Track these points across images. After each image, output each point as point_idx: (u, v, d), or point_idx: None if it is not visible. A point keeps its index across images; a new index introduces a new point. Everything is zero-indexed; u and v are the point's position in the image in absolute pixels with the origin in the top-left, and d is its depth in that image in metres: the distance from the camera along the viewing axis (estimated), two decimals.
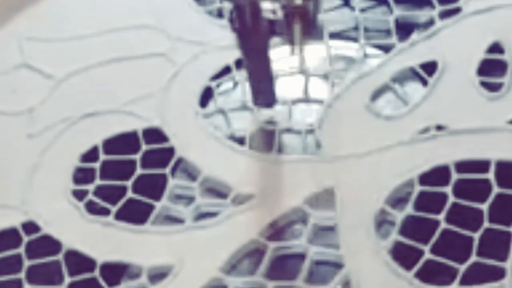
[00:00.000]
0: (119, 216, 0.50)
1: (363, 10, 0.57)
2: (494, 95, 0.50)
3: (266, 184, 0.49)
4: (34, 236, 0.50)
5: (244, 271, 0.47)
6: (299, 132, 0.52)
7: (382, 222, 0.47)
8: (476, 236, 0.45)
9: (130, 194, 0.51)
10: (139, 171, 0.52)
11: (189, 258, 0.48)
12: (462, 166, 0.48)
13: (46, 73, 0.57)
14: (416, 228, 0.47)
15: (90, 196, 0.51)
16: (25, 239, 0.50)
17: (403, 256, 0.46)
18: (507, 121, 0.49)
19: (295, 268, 0.46)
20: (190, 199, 0.50)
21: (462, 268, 0.45)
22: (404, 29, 0.55)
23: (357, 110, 0.52)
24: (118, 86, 0.55)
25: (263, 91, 0.51)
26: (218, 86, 0.55)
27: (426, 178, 0.48)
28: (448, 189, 0.47)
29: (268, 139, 0.51)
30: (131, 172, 0.52)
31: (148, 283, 0.47)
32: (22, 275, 0.49)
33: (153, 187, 0.51)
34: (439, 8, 0.55)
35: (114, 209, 0.50)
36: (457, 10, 0.55)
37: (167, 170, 0.51)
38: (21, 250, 0.50)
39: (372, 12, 0.57)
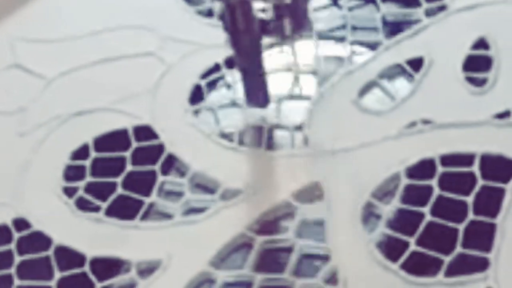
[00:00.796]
0: (110, 212, 0.50)
1: (350, 9, 0.57)
2: (479, 90, 0.51)
3: (254, 179, 0.50)
4: (25, 232, 0.51)
5: (233, 264, 0.47)
6: (287, 128, 0.52)
7: (369, 215, 0.48)
8: (461, 228, 0.46)
9: (120, 190, 0.51)
10: (129, 167, 0.52)
11: (178, 252, 0.48)
12: (448, 160, 0.48)
13: (37, 73, 0.57)
14: (402, 221, 0.47)
15: (81, 193, 0.52)
16: (16, 235, 0.51)
17: (390, 248, 0.46)
18: (492, 115, 0.49)
19: (283, 262, 0.47)
20: (179, 195, 0.50)
21: (447, 259, 0.45)
22: (391, 26, 0.56)
23: (345, 105, 0.52)
24: (108, 85, 0.56)
25: (256, 91, 0.52)
26: (207, 84, 0.55)
27: (413, 171, 0.48)
28: (433, 182, 0.48)
29: (257, 135, 0.52)
30: (121, 169, 0.52)
31: (138, 278, 0.48)
32: (12, 270, 0.49)
33: (143, 183, 0.51)
34: (425, 5, 0.55)
35: (104, 205, 0.51)
36: (443, 8, 0.55)
37: (157, 167, 0.52)
38: (12, 246, 0.50)
39: (360, 10, 0.57)
